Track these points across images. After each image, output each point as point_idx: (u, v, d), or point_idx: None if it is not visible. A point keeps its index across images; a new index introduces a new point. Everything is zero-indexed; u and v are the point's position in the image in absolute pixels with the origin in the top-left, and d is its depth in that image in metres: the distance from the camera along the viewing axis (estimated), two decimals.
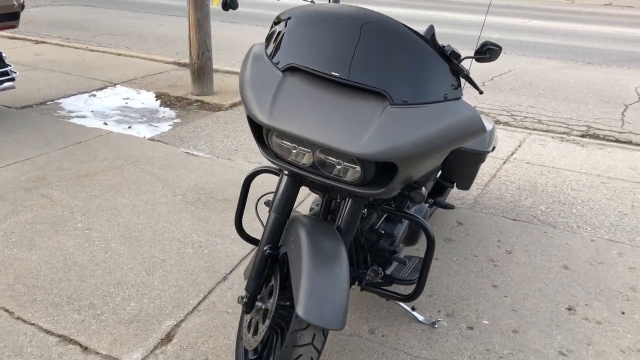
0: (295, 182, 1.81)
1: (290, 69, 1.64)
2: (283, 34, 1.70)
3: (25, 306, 2.27)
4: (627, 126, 5.14)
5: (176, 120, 4.65)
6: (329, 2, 1.94)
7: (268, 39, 1.77)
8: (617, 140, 4.77)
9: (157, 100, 5.22)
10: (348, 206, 1.85)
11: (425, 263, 1.95)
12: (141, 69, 6.22)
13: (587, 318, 2.35)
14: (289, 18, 1.72)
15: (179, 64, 6.52)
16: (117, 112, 4.79)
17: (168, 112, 4.89)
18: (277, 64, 1.66)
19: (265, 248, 1.80)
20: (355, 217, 1.84)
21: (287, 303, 1.79)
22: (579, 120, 5.24)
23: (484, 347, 2.15)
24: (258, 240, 2.25)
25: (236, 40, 8.30)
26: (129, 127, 4.47)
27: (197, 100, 5.18)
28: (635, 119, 5.34)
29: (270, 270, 1.83)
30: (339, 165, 1.61)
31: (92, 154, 3.80)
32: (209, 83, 5.31)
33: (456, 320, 2.30)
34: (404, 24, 1.60)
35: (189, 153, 3.92)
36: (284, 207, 1.80)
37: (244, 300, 1.83)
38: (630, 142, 4.74)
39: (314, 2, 1.84)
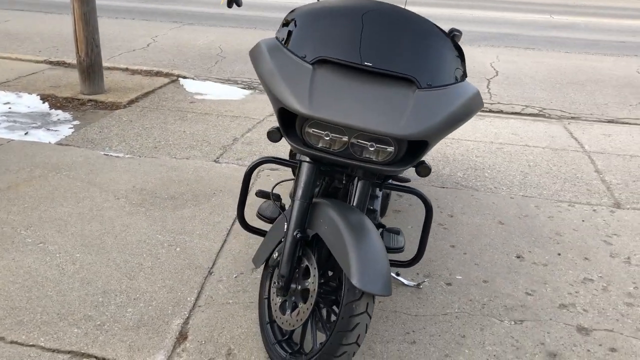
0: (315, 168, 1.93)
1: (320, 62, 1.75)
2: (304, 29, 1.80)
3: (14, 329, 2.13)
4: (495, 97, 5.80)
5: (75, 122, 4.40)
6: None
7: (284, 34, 1.85)
8: (490, 111, 5.38)
9: (44, 102, 4.87)
10: (359, 186, 2.00)
11: (425, 229, 2.17)
12: (10, 71, 5.72)
13: (535, 262, 2.75)
14: (307, 14, 1.82)
15: (51, 62, 6.08)
16: (4, 119, 4.41)
17: (62, 114, 4.60)
18: (304, 57, 1.76)
19: (295, 232, 1.90)
20: (366, 196, 2.01)
21: (322, 280, 1.91)
22: None
23: (467, 299, 2.45)
24: (262, 231, 2.32)
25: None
26: (25, 134, 4.15)
27: (90, 100, 4.92)
28: (499, 91, 6.04)
29: (302, 253, 1.93)
30: (371, 148, 1.76)
31: (3, 166, 3.50)
32: (99, 81, 5.06)
33: (434, 279, 2.57)
34: (421, 15, 1.79)
35: (108, 155, 3.77)
36: (307, 192, 1.91)
37: (280, 284, 1.92)
38: (501, 112, 5.38)
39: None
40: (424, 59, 1.74)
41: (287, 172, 3.62)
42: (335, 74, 1.72)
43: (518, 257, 2.79)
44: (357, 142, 1.76)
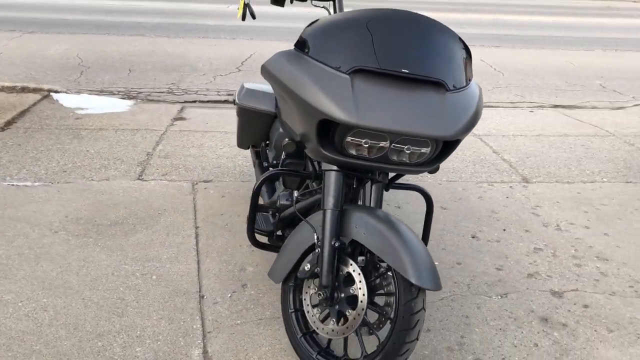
0: (343, 176, 1.95)
1: (355, 71, 1.77)
2: (333, 40, 1.80)
3: None
4: None
5: None
6: (334, 12, 2.08)
7: (309, 45, 1.84)
8: None
9: None
10: (374, 189, 2.07)
11: (427, 223, 2.30)
12: None
13: (489, 240, 3.02)
14: (333, 25, 1.83)
15: None
16: None
17: None
18: (339, 67, 1.77)
19: (333, 242, 1.91)
20: (381, 197, 2.08)
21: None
22: None
23: (452, 282, 2.63)
24: (273, 246, 2.28)
25: None
26: None
27: None
28: None
29: (339, 261, 1.95)
30: (407, 151, 1.83)
31: None
32: None
33: None
34: (437, 20, 1.90)
35: (14, 185, 3.37)
36: (339, 201, 1.93)
37: (325, 294, 1.92)
38: None
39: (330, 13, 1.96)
40: (448, 63, 1.84)
41: (232, 184, 3.54)
42: (373, 82, 1.75)
43: (473, 237, 3.04)
44: (394, 146, 1.81)
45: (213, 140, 4.30)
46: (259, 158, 3.12)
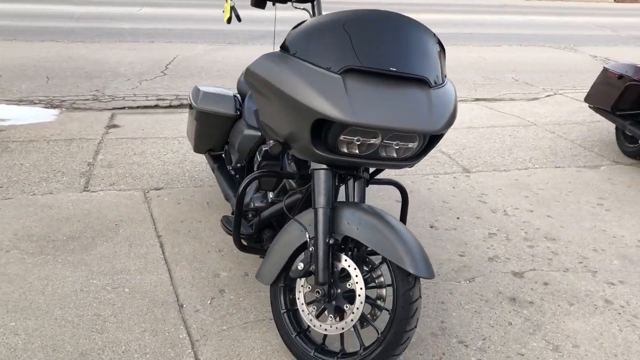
0: (332, 174, 1.99)
1: (345, 71, 1.81)
2: (322, 41, 1.83)
3: None
4: None
5: None
6: (313, 14, 2.10)
7: (296, 47, 1.85)
8: None
9: None
10: (357, 185, 2.12)
11: (403, 212, 2.39)
12: None
13: (447, 228, 3.16)
14: (320, 27, 1.85)
15: None
16: None
17: None
18: (329, 68, 1.80)
19: (327, 239, 1.94)
20: (364, 192, 2.14)
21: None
22: None
23: None
24: (259, 250, 2.27)
25: None
26: None
27: None
28: None
29: (332, 258, 1.98)
30: (396, 146, 1.89)
31: None
32: None
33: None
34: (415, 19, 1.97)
35: None
36: (330, 199, 1.97)
37: (322, 292, 1.94)
38: None
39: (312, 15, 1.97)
40: (428, 60, 1.92)
41: (185, 190, 3.47)
42: (363, 81, 1.80)
43: (431, 226, 3.17)
44: (383, 142, 1.87)
45: (154, 146, 4.18)
46: (218, 162, 3.09)
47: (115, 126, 4.65)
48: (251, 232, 2.37)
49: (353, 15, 1.87)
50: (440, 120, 1.85)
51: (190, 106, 2.99)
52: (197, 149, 3.09)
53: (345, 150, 1.85)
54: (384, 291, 2.01)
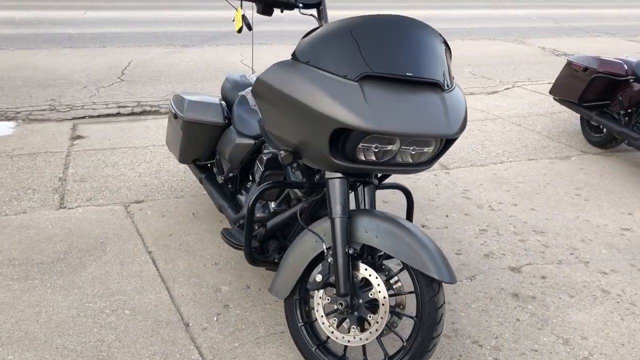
0: (346, 182, 1.96)
1: (362, 78, 1.77)
2: (336, 49, 1.78)
3: None
4: None
5: None
6: (319, 19, 2.05)
7: (310, 55, 1.80)
8: None
9: None
10: (367, 190, 2.10)
11: (409, 216, 2.37)
12: None
13: (438, 227, 3.18)
14: (332, 34, 1.81)
15: None
16: None
17: None
18: (346, 75, 1.76)
19: (347, 249, 1.91)
20: (374, 198, 2.12)
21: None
22: None
23: None
24: (271, 262, 2.21)
25: None
26: None
27: None
28: None
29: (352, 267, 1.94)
30: (413, 152, 1.87)
31: None
32: None
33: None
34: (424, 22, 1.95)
35: None
36: (346, 207, 1.93)
37: (345, 303, 1.90)
38: None
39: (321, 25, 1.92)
40: (440, 63, 1.91)
41: (168, 202, 3.35)
42: (380, 87, 1.77)
43: (423, 226, 3.18)
44: (405, 148, 1.84)
45: (125, 157, 4.04)
46: (205, 172, 3.00)
47: (79, 137, 4.46)
48: (256, 244, 2.30)
49: (363, 21, 1.83)
50: (456, 123, 1.84)
51: (175, 115, 2.88)
52: (183, 159, 2.99)
53: (362, 157, 1.82)
54: (403, 298, 1.99)
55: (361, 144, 1.78)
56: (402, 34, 1.84)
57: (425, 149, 1.88)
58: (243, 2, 2.07)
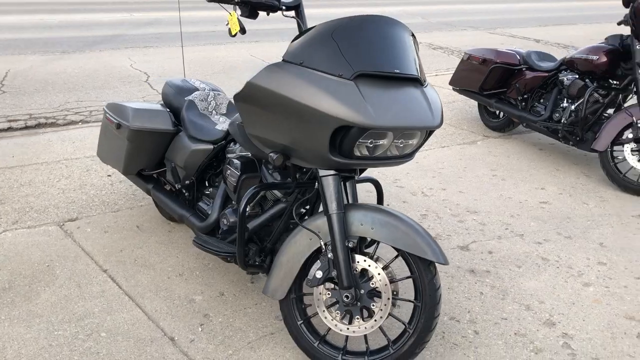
0: (339, 178, 2.01)
1: (357, 77, 1.83)
2: (329, 49, 1.83)
3: None
4: None
5: None
6: (298, 21, 2.06)
7: (303, 57, 1.83)
8: None
9: None
10: (349, 185, 2.16)
11: None
12: None
13: None
14: (324, 35, 1.85)
15: None
16: None
17: None
18: (341, 75, 1.81)
19: (346, 243, 1.97)
20: (356, 192, 2.19)
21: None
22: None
23: None
24: (262, 266, 2.20)
25: None
26: None
27: None
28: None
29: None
30: (401, 145, 1.97)
31: None
32: None
33: None
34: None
35: None
36: (341, 202, 1.99)
37: (352, 295, 1.96)
38: None
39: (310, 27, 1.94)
40: (416, 59, 2.02)
41: (105, 217, 3.17)
42: (372, 85, 1.84)
43: None
44: (396, 142, 1.93)
45: (39, 174, 3.76)
46: (152, 182, 2.90)
47: None
48: (231, 250, 2.28)
49: (350, 21, 1.89)
50: (439, 115, 1.96)
51: (118, 125, 2.75)
52: (127, 170, 2.86)
53: (358, 153, 1.88)
54: (397, 285, 2.08)
55: (360, 140, 1.84)
56: (382, 32, 1.92)
57: (411, 141, 1.98)
58: (228, 4, 2.04)
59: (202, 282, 2.59)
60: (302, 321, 2.09)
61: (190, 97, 2.78)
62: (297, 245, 2.06)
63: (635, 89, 3.69)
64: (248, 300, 2.47)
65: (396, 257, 2.06)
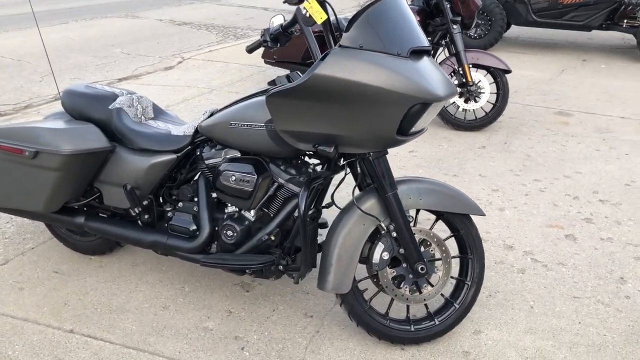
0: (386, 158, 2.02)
1: (410, 53, 1.84)
2: (381, 30, 1.80)
3: None
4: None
5: None
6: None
7: (361, 41, 1.77)
8: None
9: None
10: (367, 165, 2.17)
11: None
12: None
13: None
14: (373, 18, 1.81)
15: None
16: None
17: None
18: (399, 53, 1.82)
19: (407, 219, 2.01)
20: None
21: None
22: None
23: None
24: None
25: None
26: None
27: None
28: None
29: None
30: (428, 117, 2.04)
31: None
32: None
33: None
34: None
35: None
36: (393, 182, 2.01)
37: (426, 267, 2.02)
38: None
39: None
40: None
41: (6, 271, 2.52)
42: (418, 59, 1.88)
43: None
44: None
45: None
46: (83, 214, 2.42)
47: None
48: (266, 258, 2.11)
49: (380, 4, 1.87)
50: (453, 84, 2.10)
51: (35, 154, 2.19)
52: (51, 206, 2.31)
53: (414, 129, 1.92)
54: (436, 248, 2.17)
55: (423, 114, 1.87)
56: (402, 10, 1.94)
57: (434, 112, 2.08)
58: None
59: (197, 308, 2.32)
60: (368, 306, 2.08)
61: (116, 105, 2.37)
62: (352, 234, 2.02)
63: (450, 42, 4.27)
64: (261, 309, 2.31)
65: (436, 220, 2.17)
